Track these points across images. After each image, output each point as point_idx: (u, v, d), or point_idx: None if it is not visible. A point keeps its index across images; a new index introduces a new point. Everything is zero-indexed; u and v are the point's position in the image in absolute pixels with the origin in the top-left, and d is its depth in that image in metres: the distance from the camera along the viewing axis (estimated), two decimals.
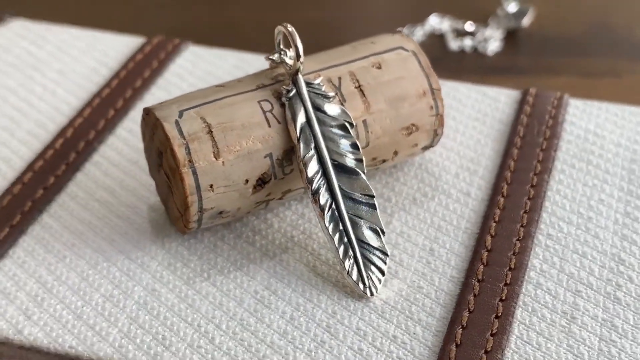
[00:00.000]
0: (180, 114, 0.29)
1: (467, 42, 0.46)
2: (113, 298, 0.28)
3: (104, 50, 0.40)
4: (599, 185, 0.32)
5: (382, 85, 0.31)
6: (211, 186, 0.28)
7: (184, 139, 0.28)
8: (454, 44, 0.45)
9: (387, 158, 0.31)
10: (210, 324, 0.27)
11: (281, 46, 0.30)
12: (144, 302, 0.28)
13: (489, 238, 0.30)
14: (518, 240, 0.29)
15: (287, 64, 0.30)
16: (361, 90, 0.30)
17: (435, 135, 0.32)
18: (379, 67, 0.31)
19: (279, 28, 0.30)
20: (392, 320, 0.27)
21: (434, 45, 0.44)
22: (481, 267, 0.29)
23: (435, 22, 0.47)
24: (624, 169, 0.32)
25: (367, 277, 0.28)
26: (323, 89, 0.30)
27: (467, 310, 0.27)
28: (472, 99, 0.36)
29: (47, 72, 0.39)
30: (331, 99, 0.30)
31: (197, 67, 0.39)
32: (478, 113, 0.36)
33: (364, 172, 0.29)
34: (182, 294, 0.28)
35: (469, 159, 0.33)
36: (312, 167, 0.29)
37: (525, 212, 0.30)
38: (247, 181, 0.29)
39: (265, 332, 0.27)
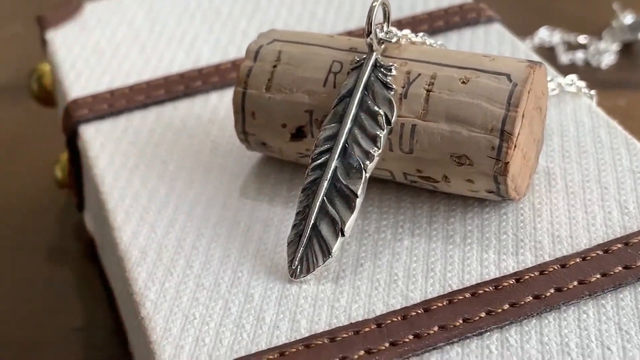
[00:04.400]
0: (271, 42, 0.31)
1: (579, 56, 0.46)
2: None
3: None
4: None
5: (453, 102, 0.28)
6: (253, 113, 0.30)
7: (254, 61, 0.30)
8: (564, 57, 0.45)
9: (436, 178, 0.29)
10: None
11: (388, 21, 0.29)
12: None
13: None
14: None
15: (380, 39, 0.29)
16: (428, 95, 0.28)
17: (497, 184, 0.28)
18: (464, 83, 0.28)
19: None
20: (270, 309, 0.27)
21: (544, 58, 0.38)
22: None
23: (545, 35, 0.42)
24: None
25: (300, 260, 0.28)
26: (388, 77, 0.28)
27: None
28: None
29: None
30: (389, 91, 0.28)
31: None
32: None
33: (365, 171, 0.28)
34: None
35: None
36: (323, 139, 0.28)
37: None
38: (284, 125, 0.30)
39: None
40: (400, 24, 0.39)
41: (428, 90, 0.28)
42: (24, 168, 0.48)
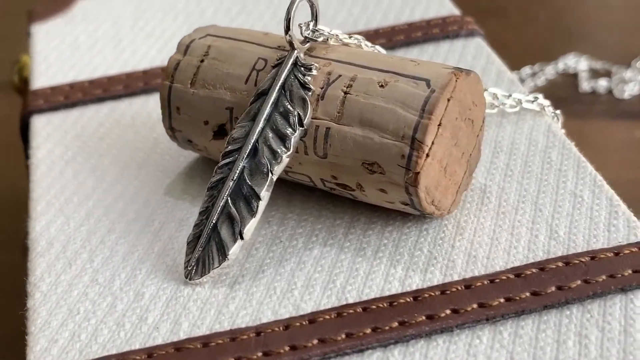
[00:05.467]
0: (204, 36, 0.30)
1: (602, 84, 0.45)
2: None
3: None
4: None
5: (368, 106, 0.26)
6: (178, 109, 0.29)
7: (183, 55, 0.29)
8: (586, 85, 0.43)
9: (351, 186, 0.27)
10: None
11: (316, 19, 0.28)
12: None
13: None
14: None
15: (305, 37, 0.28)
16: (345, 98, 0.26)
17: (409, 195, 0.26)
18: (382, 87, 0.26)
19: None
20: (155, 310, 0.26)
21: (565, 85, 0.37)
22: None
23: (572, 61, 0.39)
24: None
25: (197, 261, 0.26)
26: (307, 77, 0.27)
27: None
28: None
29: None
30: (306, 91, 0.27)
31: None
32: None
33: (271, 172, 0.26)
34: None
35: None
36: (234, 138, 0.27)
37: None
38: (206, 123, 0.29)
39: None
40: (377, 34, 0.38)
41: (345, 93, 0.27)
42: (18, 161, 0.48)
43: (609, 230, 0.27)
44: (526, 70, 0.51)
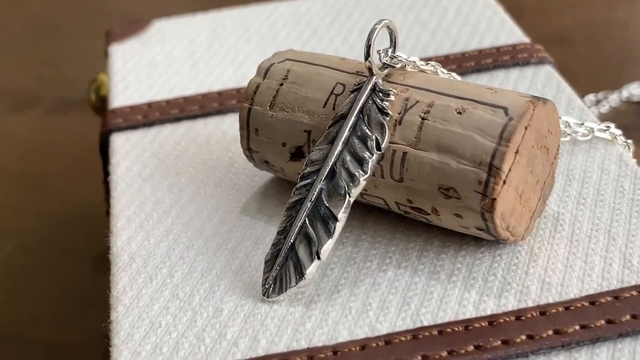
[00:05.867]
0: (283, 60, 0.31)
1: None
2: None
3: None
4: None
5: (446, 132, 0.27)
6: (257, 130, 0.30)
7: (263, 78, 0.30)
8: None
9: (426, 210, 0.27)
10: None
11: (394, 46, 0.29)
12: None
13: None
14: None
15: (384, 63, 0.28)
16: (422, 124, 0.27)
17: (485, 220, 0.26)
18: (460, 113, 0.27)
19: (386, 23, 0.28)
20: (234, 326, 0.26)
21: (629, 113, 0.36)
22: None
23: (636, 89, 0.39)
24: None
25: (274, 279, 0.27)
26: (385, 102, 0.28)
27: None
28: None
29: None
30: (384, 116, 0.27)
31: None
32: None
33: (349, 194, 0.27)
34: None
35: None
36: (312, 160, 0.28)
37: None
38: (284, 144, 0.30)
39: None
40: (448, 60, 0.38)
41: (423, 119, 0.27)
42: (93, 177, 0.50)
43: None
44: (590, 97, 0.51)
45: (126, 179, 0.33)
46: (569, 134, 0.32)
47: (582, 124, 0.32)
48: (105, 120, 0.37)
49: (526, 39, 0.40)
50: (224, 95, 0.38)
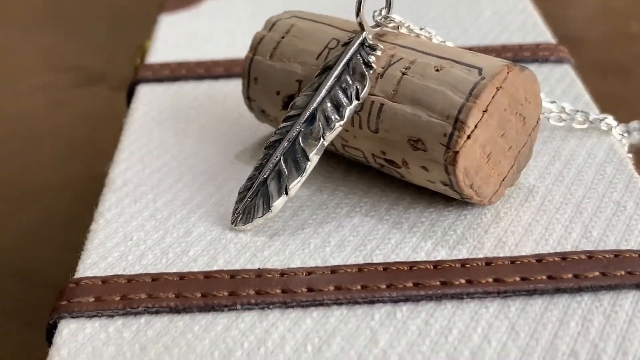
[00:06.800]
0: (290, 17, 0.32)
1: None
2: None
3: None
4: None
5: (421, 86, 0.28)
6: (256, 79, 0.32)
7: (268, 31, 0.32)
8: None
9: (397, 162, 0.28)
10: None
11: (389, 7, 0.30)
12: None
13: None
14: None
15: (377, 22, 0.30)
16: (402, 78, 0.28)
17: (448, 174, 0.27)
18: (438, 70, 0.28)
19: None
20: (198, 246, 0.28)
21: None
22: None
23: None
24: None
25: (243, 210, 0.28)
26: (371, 56, 0.29)
27: None
28: None
29: None
30: (368, 69, 0.29)
31: None
32: None
33: (323, 138, 0.28)
34: None
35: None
36: (296, 105, 0.29)
37: None
38: (278, 93, 0.31)
39: None
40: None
41: (403, 74, 0.28)
42: None
43: None
44: (634, 124, 0.51)
45: (140, 121, 0.35)
46: (564, 120, 0.33)
47: (578, 111, 0.33)
48: (136, 73, 0.39)
49: (552, 40, 0.40)
50: None
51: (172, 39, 0.43)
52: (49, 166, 0.54)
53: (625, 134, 0.34)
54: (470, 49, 0.39)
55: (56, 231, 0.47)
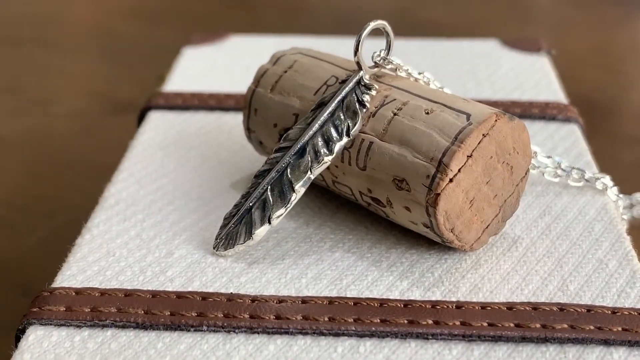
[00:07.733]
0: (295, 53, 0.33)
1: None
2: None
3: None
4: None
5: (410, 127, 0.28)
6: (256, 110, 0.32)
7: (272, 65, 0.33)
8: None
9: (382, 201, 0.29)
10: None
11: (388, 49, 0.30)
12: None
13: None
14: None
15: (375, 62, 0.30)
16: (393, 118, 0.29)
17: (429, 216, 0.27)
18: (427, 113, 0.28)
19: (381, 23, 0.30)
20: (177, 267, 0.28)
21: None
22: None
23: None
24: None
25: (225, 236, 0.29)
26: (365, 95, 0.29)
27: None
28: None
29: None
30: (361, 107, 0.29)
31: None
32: None
33: (310, 171, 0.29)
34: None
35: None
36: (289, 137, 0.30)
37: None
38: (275, 125, 0.32)
39: None
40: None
41: (394, 114, 0.29)
42: None
43: (619, 295, 0.27)
44: (637, 197, 0.51)
45: (144, 145, 0.36)
46: (559, 176, 0.33)
47: (574, 168, 0.33)
48: (150, 100, 0.40)
49: (564, 100, 0.40)
50: None
51: (190, 70, 0.44)
52: (78, 191, 0.55)
53: (628, 207, 0.34)
54: (479, 102, 0.40)
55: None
